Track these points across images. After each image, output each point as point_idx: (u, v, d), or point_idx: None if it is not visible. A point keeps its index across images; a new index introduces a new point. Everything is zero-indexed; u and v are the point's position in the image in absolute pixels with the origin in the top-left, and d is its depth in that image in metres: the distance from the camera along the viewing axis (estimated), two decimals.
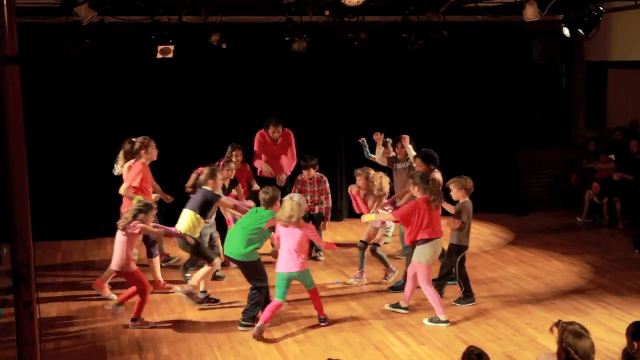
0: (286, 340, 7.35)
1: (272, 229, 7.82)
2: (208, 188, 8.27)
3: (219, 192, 8.48)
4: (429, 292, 7.79)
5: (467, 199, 8.31)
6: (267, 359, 6.92)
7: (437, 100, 12.47)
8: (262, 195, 7.86)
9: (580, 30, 9.55)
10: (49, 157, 10.81)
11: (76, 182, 11.08)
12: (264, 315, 7.47)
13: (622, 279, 9.19)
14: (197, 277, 8.24)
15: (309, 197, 9.91)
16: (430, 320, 7.76)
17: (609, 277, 9.27)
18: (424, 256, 7.75)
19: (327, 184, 10.22)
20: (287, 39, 10.60)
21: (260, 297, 7.71)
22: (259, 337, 7.34)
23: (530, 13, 9.19)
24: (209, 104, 11.57)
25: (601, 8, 9.49)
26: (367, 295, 8.70)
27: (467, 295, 8.35)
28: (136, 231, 7.66)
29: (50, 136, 10.84)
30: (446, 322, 7.72)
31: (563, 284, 9.02)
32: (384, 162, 9.78)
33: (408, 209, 7.88)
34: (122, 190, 8.76)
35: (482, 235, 11.40)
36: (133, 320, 7.70)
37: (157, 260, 8.92)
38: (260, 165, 10.38)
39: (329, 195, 10.23)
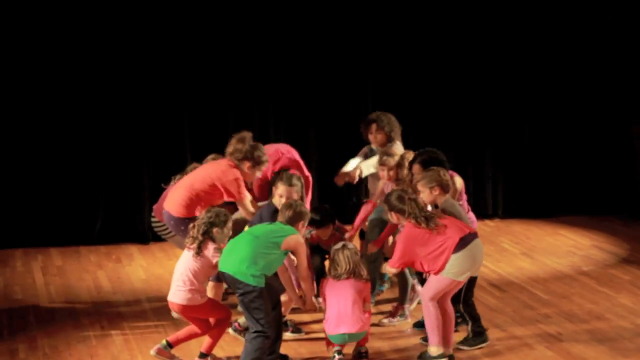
0: None
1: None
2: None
3: None
4: (430, 312, 7.87)
5: (447, 196, 8.25)
6: None
7: (511, 58, 12.81)
8: (284, 211, 7.91)
9: None
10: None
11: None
12: None
13: None
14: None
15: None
16: (420, 357, 7.96)
17: None
18: (453, 267, 7.72)
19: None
20: None
21: (263, 347, 7.47)
22: None
23: None
24: (184, 64, 12.13)
25: None
26: (396, 332, 8.86)
27: (479, 333, 8.37)
28: (214, 260, 7.80)
29: None
30: (441, 357, 7.81)
31: None
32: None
33: (402, 248, 7.86)
34: None
35: (579, 248, 11.34)
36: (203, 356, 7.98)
37: None
38: None
39: None
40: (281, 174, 9.29)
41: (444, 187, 8.02)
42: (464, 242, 7.61)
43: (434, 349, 7.72)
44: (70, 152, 11.77)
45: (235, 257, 7.52)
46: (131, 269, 8.42)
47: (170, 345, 8.02)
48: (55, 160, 11.72)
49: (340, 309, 7.77)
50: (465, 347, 8.27)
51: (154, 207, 9.30)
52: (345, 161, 10.15)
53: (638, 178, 12.85)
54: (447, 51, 12.57)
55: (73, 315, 9.15)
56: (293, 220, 7.78)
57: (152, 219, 9.39)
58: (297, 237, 7.72)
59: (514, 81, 12.46)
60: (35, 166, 11.64)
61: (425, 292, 7.77)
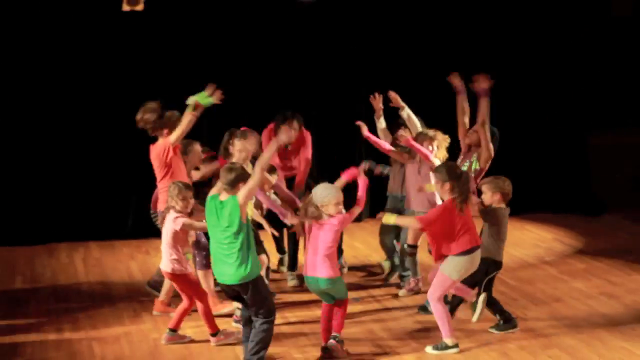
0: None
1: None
2: None
3: None
4: (439, 310, 7.72)
5: (504, 205, 8.13)
6: None
7: (486, 64, 12.28)
8: (225, 174, 7.30)
9: None
10: None
11: (17, 176, 11.52)
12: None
13: None
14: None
15: None
16: (436, 347, 7.74)
17: None
18: (456, 271, 7.60)
19: None
20: None
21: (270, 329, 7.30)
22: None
23: None
24: (189, 66, 11.66)
25: None
26: (392, 315, 8.77)
27: (508, 319, 8.25)
28: (177, 227, 7.74)
29: None
30: (455, 346, 7.69)
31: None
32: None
33: (436, 214, 7.69)
34: None
35: (543, 241, 11.40)
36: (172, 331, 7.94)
37: None
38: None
39: None
40: (235, 131, 9.22)
41: (504, 197, 8.07)
42: (472, 249, 7.61)
43: (448, 340, 7.69)
44: (108, 156, 11.77)
45: (221, 266, 7.19)
46: (158, 259, 8.37)
47: (173, 330, 7.97)
48: (95, 164, 11.74)
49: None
50: (495, 331, 8.20)
51: (152, 200, 9.09)
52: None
53: (592, 181, 12.84)
54: (429, 65, 12.40)
55: (109, 299, 9.32)
56: (235, 182, 7.10)
57: (151, 212, 9.13)
58: (236, 201, 7.03)
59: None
60: (76, 169, 11.67)
61: (434, 294, 7.71)
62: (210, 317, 7.87)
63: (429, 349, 7.72)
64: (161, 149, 8.46)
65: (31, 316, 8.82)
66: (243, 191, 6.93)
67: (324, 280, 7.33)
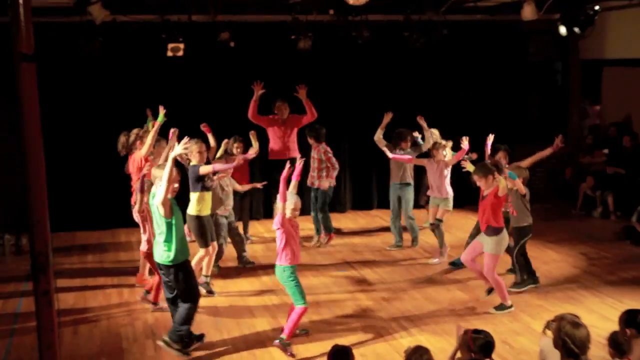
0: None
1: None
2: (193, 163, 7.95)
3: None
4: (497, 281, 7.76)
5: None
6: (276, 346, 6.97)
7: (438, 97, 12.44)
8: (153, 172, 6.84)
9: (577, 29, 9.52)
10: (65, 151, 10.85)
11: (91, 175, 11.10)
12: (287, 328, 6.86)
13: (613, 268, 9.23)
14: (194, 266, 7.80)
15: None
16: (497, 308, 7.77)
17: (602, 267, 9.31)
18: (501, 247, 7.70)
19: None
20: (293, 37, 10.59)
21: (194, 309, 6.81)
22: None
23: (528, 12, 9.19)
24: (217, 100, 11.55)
25: (597, 7, 9.46)
26: (371, 287, 8.70)
27: (525, 280, 8.41)
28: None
29: (66, 131, 10.87)
30: (511, 307, 7.75)
31: (557, 273, 9.05)
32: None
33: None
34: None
35: None
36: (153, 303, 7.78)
37: None
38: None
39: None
40: (237, 137, 9.67)
41: (524, 180, 8.17)
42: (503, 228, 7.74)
43: (506, 302, 7.78)
44: None
45: (155, 246, 6.72)
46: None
47: (155, 303, 7.73)
48: None
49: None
50: (515, 289, 8.30)
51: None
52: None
53: None
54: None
55: None
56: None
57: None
58: (160, 201, 6.41)
59: (439, 116, 12.35)
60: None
61: (490, 271, 7.71)
62: (158, 290, 7.58)
63: (492, 310, 7.78)
64: (138, 158, 8.38)
65: (99, 284, 8.80)
66: (158, 194, 6.41)
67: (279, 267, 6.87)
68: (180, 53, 10.20)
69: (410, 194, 10.13)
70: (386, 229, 10.89)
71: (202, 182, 7.94)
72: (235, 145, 9.72)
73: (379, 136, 9.98)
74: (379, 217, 12.00)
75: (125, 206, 8.77)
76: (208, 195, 8.07)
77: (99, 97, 11.10)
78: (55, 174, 9.45)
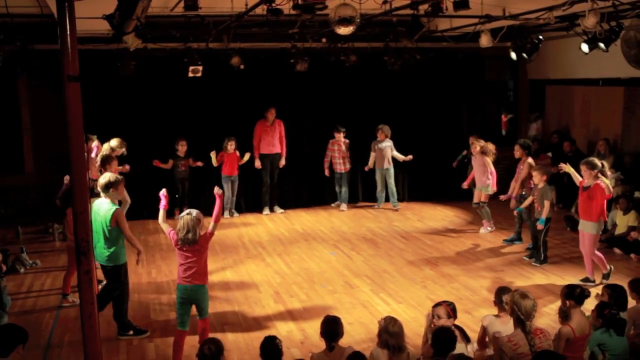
0: (292, 300, 7.38)
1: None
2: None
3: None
4: (597, 256, 7.65)
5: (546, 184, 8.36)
6: (277, 315, 6.96)
7: (412, 110, 12.46)
8: (99, 181, 6.34)
9: (524, 54, 9.54)
10: None
11: (125, 174, 11.03)
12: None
13: (556, 250, 9.21)
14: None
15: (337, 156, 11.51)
16: (583, 280, 7.63)
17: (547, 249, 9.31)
18: (597, 230, 7.60)
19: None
20: (292, 61, 10.62)
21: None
22: None
23: (485, 41, 9.19)
24: (229, 112, 11.55)
25: (541, 37, 9.49)
26: (356, 265, 8.72)
27: (546, 257, 8.49)
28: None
29: (105, 138, 10.78)
30: (593, 281, 7.62)
31: (511, 255, 9.05)
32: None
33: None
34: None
35: (447, 217, 11.35)
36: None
37: None
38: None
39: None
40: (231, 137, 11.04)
41: (547, 178, 8.38)
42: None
43: (591, 277, 7.69)
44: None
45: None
46: None
47: (65, 294, 7.24)
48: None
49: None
50: (536, 264, 8.40)
51: None
52: None
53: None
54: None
55: None
56: (106, 188, 6.21)
57: None
58: (118, 212, 6.11)
59: (413, 126, 12.36)
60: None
61: (589, 248, 7.64)
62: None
63: (578, 280, 7.51)
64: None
65: (131, 265, 8.58)
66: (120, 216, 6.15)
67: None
68: (199, 74, 10.27)
69: (392, 173, 11.51)
70: (370, 220, 10.97)
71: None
72: (229, 142, 10.83)
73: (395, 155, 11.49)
74: (364, 210, 11.97)
75: (154, 201, 8.73)
76: None
77: (132, 111, 11.08)
78: None
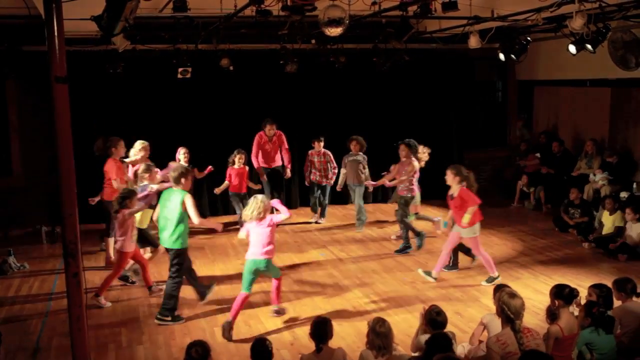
0: (281, 301, 7.28)
1: None
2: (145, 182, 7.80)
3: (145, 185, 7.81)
4: (484, 256, 7.75)
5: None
6: (267, 316, 6.93)
7: (402, 111, 12.44)
8: (170, 173, 6.82)
9: (513, 56, 9.59)
10: (92, 156, 10.70)
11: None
12: (233, 310, 6.42)
13: (545, 250, 9.26)
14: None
15: (317, 169, 10.58)
16: (487, 280, 7.73)
17: (535, 249, 9.32)
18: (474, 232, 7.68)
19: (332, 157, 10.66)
20: (281, 62, 10.54)
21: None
22: (228, 335, 6.30)
23: (474, 42, 9.21)
24: (219, 114, 11.52)
25: (529, 38, 9.54)
26: (345, 266, 8.70)
27: (454, 265, 8.34)
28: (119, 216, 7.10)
29: (93, 140, 10.72)
30: (498, 277, 7.69)
31: (499, 255, 9.02)
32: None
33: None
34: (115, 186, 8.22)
35: (437, 215, 11.28)
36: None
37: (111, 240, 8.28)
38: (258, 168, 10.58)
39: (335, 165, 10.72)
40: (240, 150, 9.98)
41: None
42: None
43: (494, 274, 7.74)
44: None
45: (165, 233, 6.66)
46: None
47: (98, 294, 7.28)
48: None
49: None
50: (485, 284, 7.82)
51: None
52: None
53: None
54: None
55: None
56: (177, 180, 6.63)
57: None
58: (188, 197, 6.54)
59: (403, 126, 12.31)
60: None
61: (476, 249, 7.79)
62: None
63: (483, 282, 7.72)
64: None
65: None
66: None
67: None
68: (188, 75, 10.18)
69: (361, 192, 10.26)
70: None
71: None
72: (238, 156, 9.85)
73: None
74: (353, 211, 11.92)
75: None
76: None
77: (120, 112, 10.99)
78: (84, 175, 9.37)
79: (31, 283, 8.10)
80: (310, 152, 10.76)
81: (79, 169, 4.79)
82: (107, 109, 10.93)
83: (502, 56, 9.91)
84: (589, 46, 8.21)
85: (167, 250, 6.76)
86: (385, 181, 9.46)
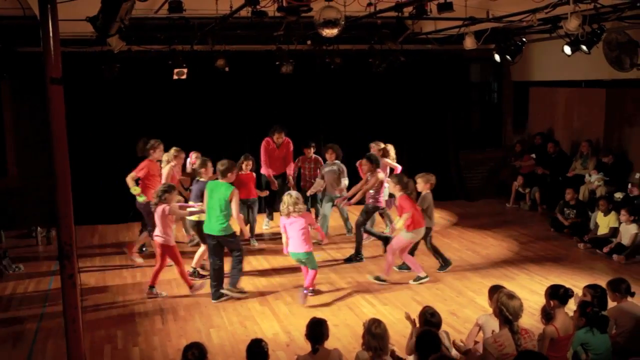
0: (277, 302, 7.35)
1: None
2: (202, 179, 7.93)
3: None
4: (409, 259, 7.88)
5: (429, 191, 8.11)
6: (262, 317, 6.93)
7: (397, 112, 12.49)
8: (218, 167, 7.34)
9: (508, 56, 9.61)
10: (88, 158, 10.73)
11: (109, 177, 10.71)
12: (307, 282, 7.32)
13: (540, 251, 9.28)
14: (195, 257, 8.15)
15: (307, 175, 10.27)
16: (415, 280, 7.81)
17: (530, 250, 9.35)
18: (411, 237, 7.78)
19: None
20: (277, 63, 10.50)
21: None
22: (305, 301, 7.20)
23: (469, 43, 9.23)
24: (215, 115, 11.52)
25: (524, 39, 9.56)
26: (341, 267, 8.69)
27: (445, 263, 8.34)
28: (159, 212, 7.26)
29: (88, 141, 10.75)
30: (426, 277, 7.79)
31: (495, 256, 9.07)
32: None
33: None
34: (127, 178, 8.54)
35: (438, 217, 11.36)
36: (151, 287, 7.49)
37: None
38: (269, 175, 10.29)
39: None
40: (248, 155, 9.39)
41: (431, 186, 8.09)
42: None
43: (421, 274, 7.87)
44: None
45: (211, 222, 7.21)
46: None
47: (152, 286, 7.48)
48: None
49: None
50: (441, 271, 8.20)
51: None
52: None
53: (465, 180, 12.97)
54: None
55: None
56: (224, 173, 7.19)
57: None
58: (235, 191, 7.10)
59: (399, 128, 12.36)
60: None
61: (402, 253, 7.89)
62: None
63: (411, 282, 7.80)
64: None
65: (116, 268, 8.69)
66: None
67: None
68: (184, 76, 10.18)
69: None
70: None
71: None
72: (246, 162, 9.24)
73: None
74: (349, 212, 11.93)
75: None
76: None
77: (116, 112, 11.01)
78: (79, 177, 9.33)
79: (26, 284, 8.08)
80: (300, 157, 10.43)
81: (74, 170, 4.77)
82: (102, 110, 10.93)
83: (497, 57, 9.93)
84: (584, 47, 8.24)
85: (211, 237, 7.21)
86: (352, 202, 9.01)
